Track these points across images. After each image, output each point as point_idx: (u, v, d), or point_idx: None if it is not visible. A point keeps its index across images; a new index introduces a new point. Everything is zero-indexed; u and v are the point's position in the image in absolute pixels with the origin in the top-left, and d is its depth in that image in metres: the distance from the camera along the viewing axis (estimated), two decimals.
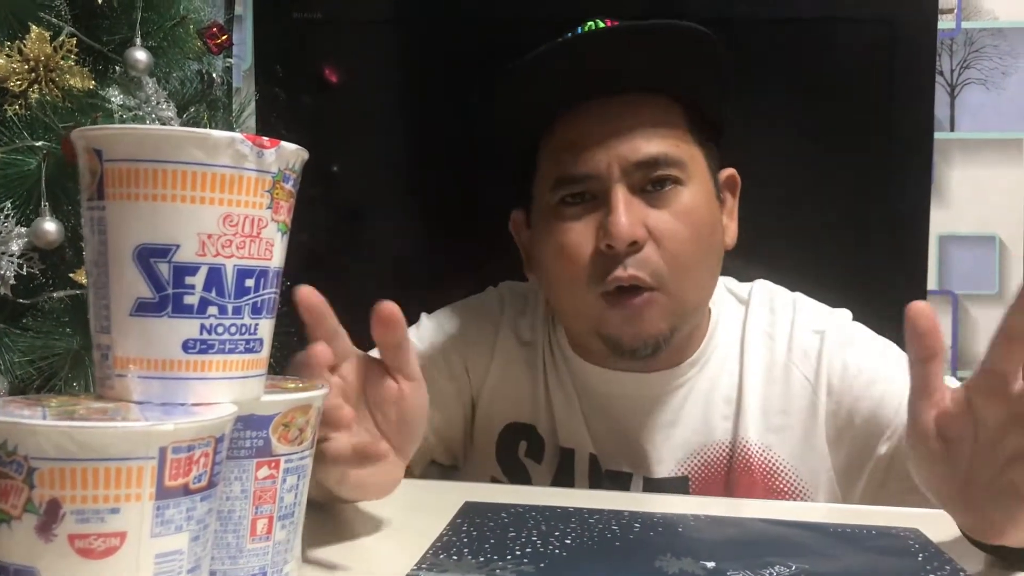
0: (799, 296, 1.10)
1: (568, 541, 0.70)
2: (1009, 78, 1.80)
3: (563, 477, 1.06)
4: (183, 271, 0.52)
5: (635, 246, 0.93)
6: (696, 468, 1.02)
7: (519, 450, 1.08)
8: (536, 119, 0.99)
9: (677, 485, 1.02)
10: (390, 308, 0.72)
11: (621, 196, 0.93)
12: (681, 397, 1.03)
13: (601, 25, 0.97)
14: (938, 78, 1.76)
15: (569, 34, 0.97)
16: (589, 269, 0.95)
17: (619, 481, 1.04)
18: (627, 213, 0.92)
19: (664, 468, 1.02)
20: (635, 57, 0.93)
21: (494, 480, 1.09)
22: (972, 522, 0.68)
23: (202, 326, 0.53)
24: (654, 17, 1.00)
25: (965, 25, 1.80)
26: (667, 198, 0.95)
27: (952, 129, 1.82)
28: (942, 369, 0.68)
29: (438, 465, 1.15)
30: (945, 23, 1.78)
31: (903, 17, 1.55)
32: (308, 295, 0.69)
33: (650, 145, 0.94)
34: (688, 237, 0.95)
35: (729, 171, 1.05)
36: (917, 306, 0.67)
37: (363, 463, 0.68)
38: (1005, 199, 1.80)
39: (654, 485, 1.02)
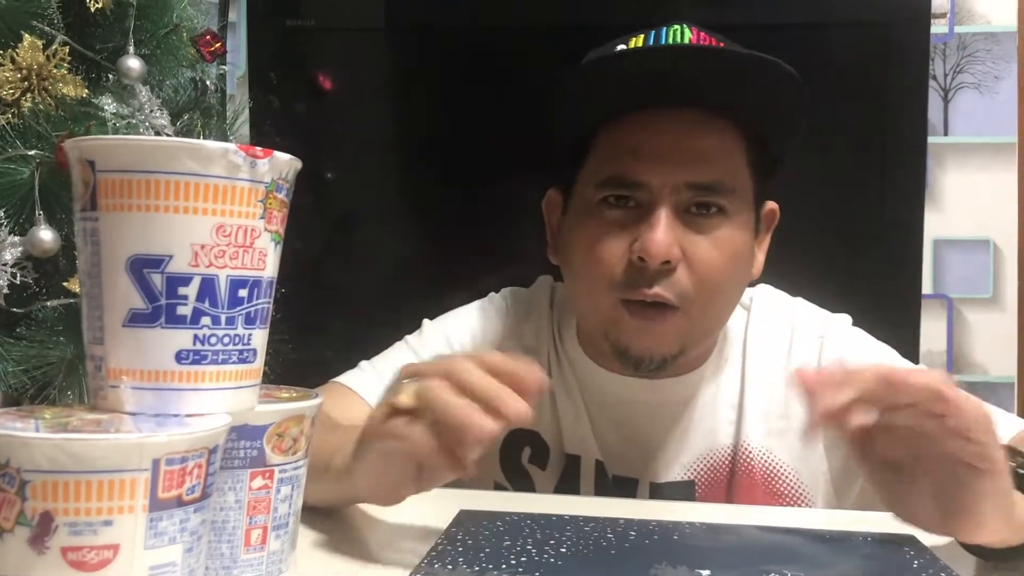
0: (800, 301, 1.10)
1: (563, 549, 0.70)
2: (1002, 82, 1.80)
3: (568, 483, 1.05)
4: (176, 281, 0.52)
5: (667, 265, 0.91)
6: (701, 472, 1.02)
7: (522, 456, 1.08)
8: (604, 114, 0.96)
9: (683, 490, 1.02)
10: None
11: (664, 213, 0.91)
12: (690, 403, 1.03)
13: (687, 31, 0.96)
14: (931, 82, 1.77)
15: (654, 34, 0.96)
16: (616, 275, 0.93)
17: (625, 487, 1.03)
18: (666, 232, 0.90)
19: (671, 473, 1.02)
20: (718, 79, 0.91)
21: (497, 486, 1.08)
22: (950, 527, 0.68)
23: (195, 336, 0.53)
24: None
25: (958, 30, 1.80)
26: (708, 225, 0.93)
27: (946, 133, 1.82)
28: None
29: None
30: (938, 28, 1.78)
31: (896, 22, 1.55)
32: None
33: (706, 170, 0.92)
34: (721, 265, 0.93)
35: (771, 205, 1.04)
36: (801, 374, 0.69)
37: (441, 458, 0.66)
38: (999, 203, 1.81)
39: (660, 490, 1.02)
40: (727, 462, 1.02)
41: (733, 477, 1.01)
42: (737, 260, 0.95)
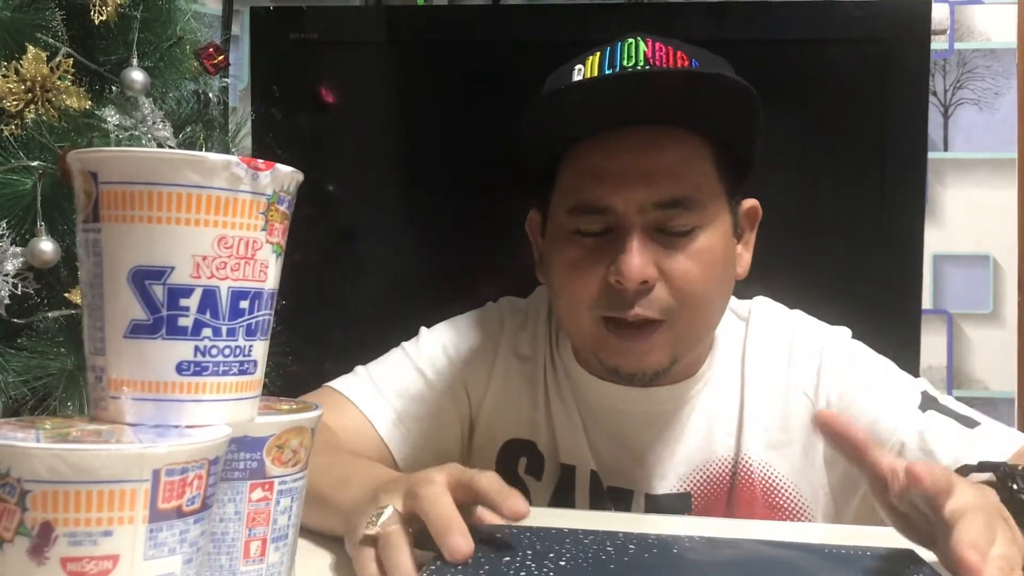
0: (799, 313, 1.10)
1: (562, 563, 0.70)
2: (1001, 98, 1.80)
3: (563, 494, 1.06)
4: (178, 293, 0.52)
5: (645, 285, 0.91)
6: (698, 484, 1.02)
7: (519, 467, 1.08)
8: (564, 140, 0.97)
9: (679, 502, 1.02)
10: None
11: (636, 236, 0.91)
12: (685, 413, 1.03)
13: (642, 46, 0.95)
14: (931, 98, 1.77)
15: (609, 51, 0.96)
16: (596, 297, 0.94)
17: (621, 498, 1.03)
18: (640, 254, 0.90)
19: (666, 484, 1.02)
20: (674, 97, 0.91)
21: None
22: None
23: (196, 348, 0.53)
24: (653, 37, 1.01)
25: (958, 46, 1.81)
26: (682, 241, 0.93)
27: (946, 149, 1.82)
28: (879, 454, 0.71)
29: None
30: (938, 44, 1.79)
31: (896, 38, 1.55)
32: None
33: (672, 187, 0.92)
34: (700, 277, 0.93)
35: (750, 203, 1.04)
36: (822, 414, 0.73)
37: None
38: (998, 218, 1.81)
39: (656, 502, 1.02)
40: (727, 475, 1.02)
41: (733, 490, 1.01)
42: (716, 268, 0.95)
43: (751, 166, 1.00)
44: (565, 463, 1.06)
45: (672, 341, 0.95)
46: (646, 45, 0.95)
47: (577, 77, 0.95)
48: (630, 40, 0.96)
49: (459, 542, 0.65)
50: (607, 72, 0.94)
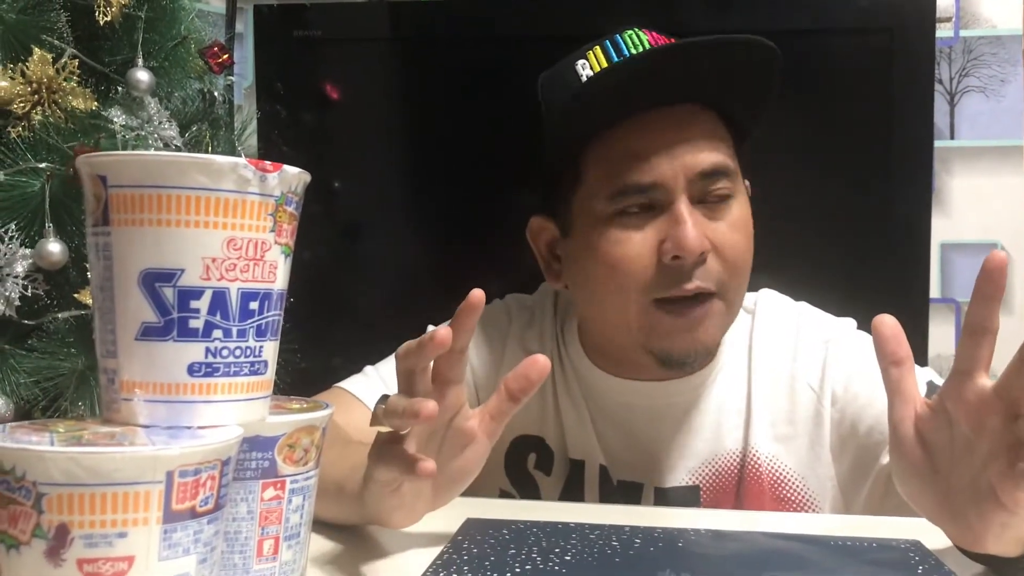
0: (804, 305, 1.10)
1: (568, 557, 0.70)
2: (1008, 85, 1.80)
3: (573, 489, 1.06)
4: (188, 295, 0.52)
5: (701, 257, 0.92)
6: (707, 477, 1.02)
7: (528, 463, 1.08)
8: (590, 129, 0.97)
9: (688, 495, 1.02)
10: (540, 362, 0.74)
11: (685, 207, 0.92)
12: (694, 406, 1.03)
13: (643, 34, 0.97)
14: (937, 86, 1.76)
15: (611, 44, 0.97)
16: (647, 279, 0.94)
17: (630, 491, 1.04)
18: (695, 225, 0.92)
19: (676, 478, 1.02)
20: (695, 72, 0.92)
21: (503, 493, 1.09)
22: (955, 531, 0.68)
23: (207, 349, 0.53)
24: (657, 29, 1.01)
25: (963, 33, 1.80)
26: (723, 210, 0.95)
27: (952, 137, 1.82)
28: (913, 375, 0.69)
29: None
30: (943, 32, 1.78)
31: (901, 26, 1.55)
32: (479, 298, 0.69)
33: (713, 155, 0.94)
34: (744, 246, 0.96)
35: (746, 182, 1.05)
36: (882, 319, 0.69)
37: (411, 476, 0.67)
38: (1006, 206, 1.80)
39: (665, 495, 1.02)
40: (735, 468, 1.02)
41: (741, 483, 1.01)
42: (751, 239, 0.98)
43: (749, 136, 1.02)
44: (574, 458, 1.06)
45: (723, 316, 0.96)
46: (646, 35, 0.97)
47: (583, 71, 0.96)
48: (629, 32, 0.98)
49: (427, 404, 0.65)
50: (616, 61, 0.95)
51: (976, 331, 0.65)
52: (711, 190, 0.94)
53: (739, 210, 0.96)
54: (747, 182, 1.04)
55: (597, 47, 0.98)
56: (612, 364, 1.03)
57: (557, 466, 1.07)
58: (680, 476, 1.02)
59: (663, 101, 0.94)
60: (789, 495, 1.00)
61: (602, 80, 0.94)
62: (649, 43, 0.96)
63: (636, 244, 0.94)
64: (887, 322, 0.69)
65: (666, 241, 0.92)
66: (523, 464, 1.08)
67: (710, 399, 1.03)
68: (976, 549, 0.67)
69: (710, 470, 1.02)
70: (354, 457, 0.79)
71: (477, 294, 0.71)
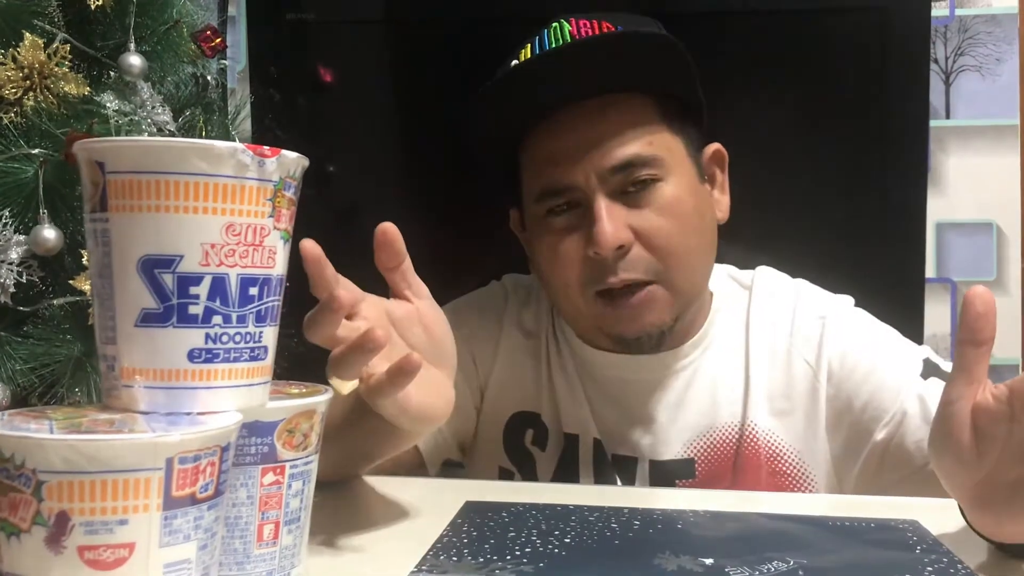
0: (801, 282, 1.11)
1: (567, 540, 0.70)
2: (1003, 64, 1.79)
3: (567, 464, 1.07)
4: (187, 281, 0.52)
5: (622, 250, 0.95)
6: (702, 450, 1.03)
7: (526, 438, 1.09)
8: (512, 132, 1.01)
9: (683, 467, 1.03)
10: (390, 229, 0.72)
11: (603, 204, 0.95)
12: (686, 379, 1.04)
13: (567, 27, 0.98)
14: (932, 66, 1.76)
15: (537, 39, 0.99)
16: (582, 274, 0.97)
17: (625, 465, 1.04)
18: (610, 220, 0.94)
19: (670, 450, 1.03)
20: (602, 64, 0.94)
21: (502, 470, 1.10)
22: (979, 516, 0.67)
23: (207, 335, 0.53)
24: (642, 12, 1.01)
25: (959, 12, 1.79)
26: (647, 197, 0.96)
27: (947, 116, 1.81)
28: (987, 360, 0.65)
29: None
30: (939, 11, 1.77)
31: (897, 5, 1.55)
32: (312, 248, 0.66)
33: (623, 149, 0.95)
34: (674, 230, 0.96)
35: (714, 147, 1.06)
36: (976, 289, 0.64)
37: (405, 378, 0.65)
38: (1002, 185, 1.80)
39: (660, 468, 1.03)
40: (732, 442, 1.02)
41: (738, 457, 1.02)
42: (689, 219, 0.98)
43: (701, 110, 1.04)
44: (568, 432, 1.07)
45: (668, 299, 0.98)
46: (570, 24, 0.99)
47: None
48: (555, 24, 1.00)
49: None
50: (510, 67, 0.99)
51: None
52: (631, 180, 0.96)
53: (671, 192, 0.97)
54: (717, 147, 1.06)
55: (528, 44, 1.01)
56: (600, 340, 1.05)
57: (552, 441, 1.08)
58: (675, 449, 1.03)
59: (564, 100, 0.96)
60: (786, 469, 1.01)
61: (501, 89, 0.97)
62: (571, 32, 0.98)
63: (565, 242, 0.98)
64: (982, 297, 0.63)
65: (587, 236, 0.95)
66: (520, 441, 1.09)
67: (704, 372, 1.04)
68: (997, 539, 0.67)
69: (706, 443, 1.03)
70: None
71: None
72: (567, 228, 0.98)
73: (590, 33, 0.97)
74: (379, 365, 0.66)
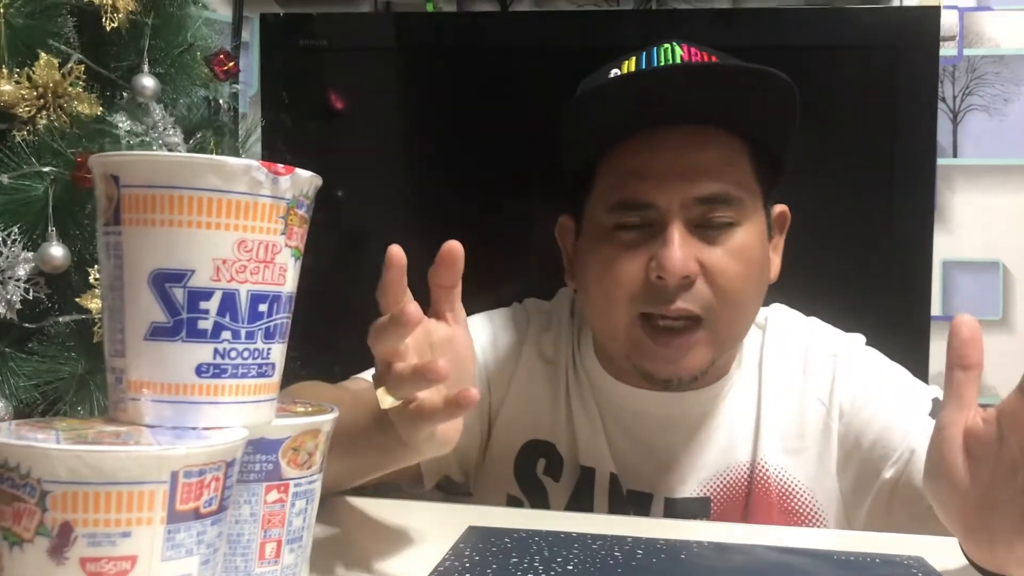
0: (814, 320, 1.10)
1: (570, 567, 0.70)
2: (1011, 104, 1.80)
3: (582, 496, 1.05)
4: (198, 296, 0.52)
5: (687, 279, 0.92)
6: (717, 489, 1.02)
7: (537, 468, 1.08)
8: (608, 138, 0.97)
9: (698, 506, 1.02)
10: (456, 248, 0.71)
11: (677, 230, 0.92)
12: (708, 418, 1.03)
13: (678, 50, 0.97)
14: (940, 105, 1.77)
15: (645, 55, 0.97)
16: (634, 292, 0.94)
17: (640, 501, 1.03)
18: (682, 247, 0.91)
19: (686, 489, 1.02)
20: (713, 94, 0.92)
21: (511, 498, 1.08)
22: (973, 545, 0.67)
23: (216, 350, 0.53)
24: (689, 41, 1.01)
25: (967, 52, 1.81)
26: (721, 237, 0.94)
27: (955, 155, 1.82)
28: (977, 384, 0.67)
29: (446, 486, 1.15)
30: (947, 50, 1.79)
31: (905, 45, 1.56)
32: (399, 255, 0.68)
33: (713, 184, 0.93)
34: (739, 274, 0.94)
35: (781, 208, 1.06)
36: (962, 316, 0.66)
37: (460, 411, 0.65)
38: (1008, 225, 1.81)
39: (675, 506, 1.02)
40: (744, 480, 1.02)
41: (751, 495, 1.01)
42: (753, 267, 0.96)
43: (783, 169, 1.02)
44: (584, 465, 1.06)
45: (711, 344, 0.95)
46: (682, 49, 0.97)
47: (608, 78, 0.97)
48: (666, 45, 0.98)
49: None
50: (620, 75, 0.96)
51: None
52: (710, 216, 0.94)
53: (743, 238, 0.95)
54: (784, 209, 1.05)
55: (633, 57, 0.99)
56: (624, 372, 1.03)
57: (567, 473, 1.06)
58: (691, 487, 1.02)
59: (669, 120, 0.94)
60: (797, 508, 1.00)
61: (610, 91, 0.95)
62: (682, 57, 0.96)
63: (627, 259, 0.95)
64: (967, 323, 0.66)
65: (652, 259, 0.93)
66: (532, 469, 1.08)
67: (722, 412, 1.03)
68: (991, 568, 0.67)
69: (721, 482, 1.02)
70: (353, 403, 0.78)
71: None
72: (630, 245, 0.95)
73: (701, 60, 0.96)
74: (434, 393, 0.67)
